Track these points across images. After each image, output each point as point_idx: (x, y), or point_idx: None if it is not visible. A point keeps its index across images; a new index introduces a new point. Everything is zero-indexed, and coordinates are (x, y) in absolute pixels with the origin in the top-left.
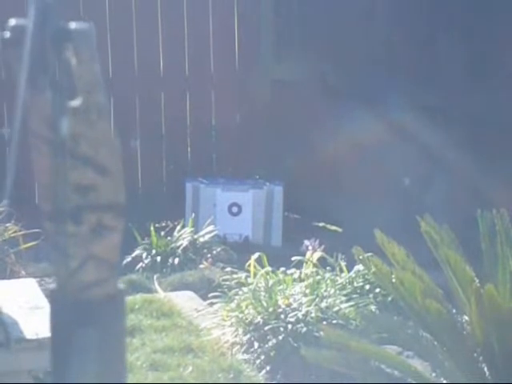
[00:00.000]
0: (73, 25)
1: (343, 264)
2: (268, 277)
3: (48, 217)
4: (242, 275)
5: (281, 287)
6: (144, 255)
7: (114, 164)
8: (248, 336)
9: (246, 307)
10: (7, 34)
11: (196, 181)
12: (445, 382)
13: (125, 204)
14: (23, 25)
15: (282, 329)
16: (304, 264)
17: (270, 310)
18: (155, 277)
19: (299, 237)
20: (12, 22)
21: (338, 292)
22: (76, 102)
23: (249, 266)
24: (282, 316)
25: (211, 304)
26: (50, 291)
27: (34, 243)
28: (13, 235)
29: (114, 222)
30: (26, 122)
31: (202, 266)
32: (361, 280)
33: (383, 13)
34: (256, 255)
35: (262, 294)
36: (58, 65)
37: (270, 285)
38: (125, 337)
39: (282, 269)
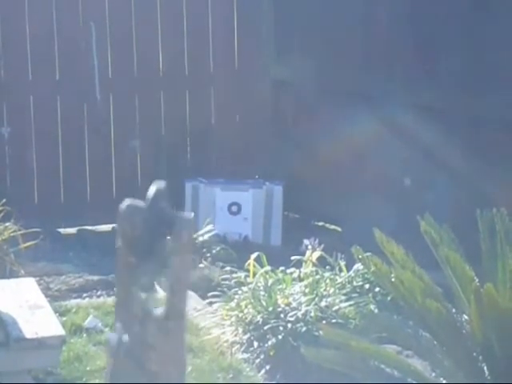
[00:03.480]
0: (178, 213)
1: (343, 263)
2: (267, 276)
3: None
4: (242, 274)
5: (280, 286)
6: None
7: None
8: (247, 335)
9: (246, 306)
10: (122, 210)
11: (196, 180)
12: (444, 381)
13: None
14: (136, 205)
15: (281, 328)
16: (303, 263)
17: (270, 309)
18: None
19: (299, 236)
20: (127, 201)
21: (337, 291)
22: (160, 310)
23: (248, 265)
24: (282, 315)
25: (211, 303)
26: None
27: (33, 243)
28: (12, 234)
29: None
30: (27, 121)
31: (201, 265)
32: (360, 279)
33: (383, 12)
34: (255, 254)
35: (262, 293)
36: (158, 250)
37: (269, 284)
38: None
39: (282, 268)
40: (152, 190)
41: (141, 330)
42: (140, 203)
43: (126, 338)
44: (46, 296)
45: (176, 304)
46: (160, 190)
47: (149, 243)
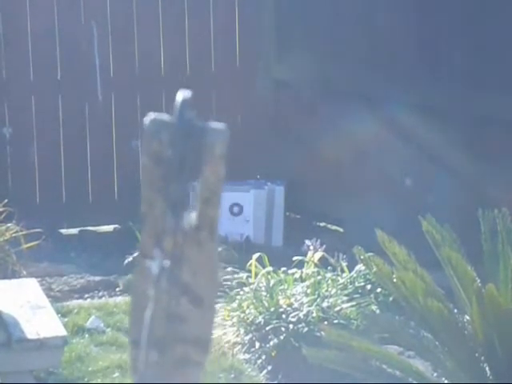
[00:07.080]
0: (210, 124)
1: (344, 264)
2: (269, 277)
3: (134, 343)
4: (243, 275)
5: (282, 287)
6: None
7: (211, 295)
8: (249, 336)
9: (248, 307)
10: (147, 126)
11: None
12: (446, 381)
13: (212, 340)
14: (162, 119)
15: (283, 329)
16: (305, 264)
17: (272, 309)
18: None
19: (300, 237)
20: (152, 115)
21: (339, 292)
22: (191, 218)
23: (250, 265)
24: (284, 316)
25: None
26: None
27: (35, 243)
28: (14, 235)
29: (198, 357)
30: (28, 121)
31: None
32: (362, 280)
33: (384, 12)
34: (257, 255)
35: (264, 293)
36: (188, 163)
37: (271, 285)
38: None
39: (283, 269)
40: (178, 99)
41: (174, 244)
42: (165, 116)
43: (167, 263)
44: (48, 297)
45: (208, 213)
46: (186, 99)
47: (178, 159)
